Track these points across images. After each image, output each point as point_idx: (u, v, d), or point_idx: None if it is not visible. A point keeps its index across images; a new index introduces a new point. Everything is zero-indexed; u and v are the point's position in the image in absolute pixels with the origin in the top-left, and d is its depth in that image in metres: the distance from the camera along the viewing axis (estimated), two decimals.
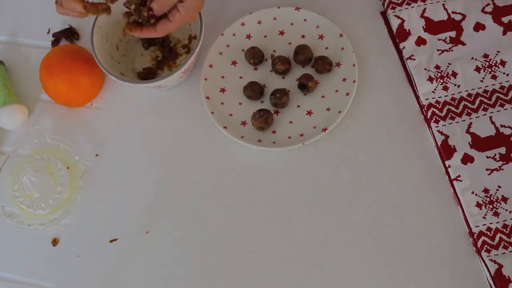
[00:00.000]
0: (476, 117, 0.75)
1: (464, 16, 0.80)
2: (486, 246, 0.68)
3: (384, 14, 0.83)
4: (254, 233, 0.74)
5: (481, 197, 0.71)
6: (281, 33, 0.84)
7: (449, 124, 0.75)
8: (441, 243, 0.70)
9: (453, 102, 0.76)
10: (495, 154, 0.72)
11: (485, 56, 0.77)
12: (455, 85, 0.77)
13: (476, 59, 0.77)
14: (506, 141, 0.73)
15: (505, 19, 0.79)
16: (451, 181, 0.72)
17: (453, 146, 0.73)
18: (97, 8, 0.70)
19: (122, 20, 0.73)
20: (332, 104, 0.78)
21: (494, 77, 0.76)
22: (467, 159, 0.73)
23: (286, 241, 0.74)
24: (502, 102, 0.75)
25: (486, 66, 0.77)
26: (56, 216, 0.78)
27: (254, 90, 0.80)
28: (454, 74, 0.77)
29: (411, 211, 0.72)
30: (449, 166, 0.73)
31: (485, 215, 0.70)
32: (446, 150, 0.73)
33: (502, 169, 0.71)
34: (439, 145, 0.74)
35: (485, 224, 0.69)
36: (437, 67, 0.78)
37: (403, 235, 0.71)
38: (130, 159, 0.81)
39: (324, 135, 0.75)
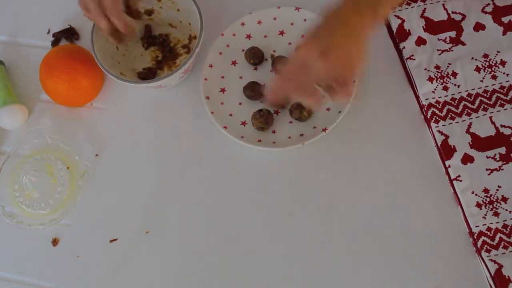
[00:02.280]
0: (476, 117, 0.75)
1: (464, 16, 0.80)
2: (486, 246, 0.68)
3: None
4: (254, 233, 0.74)
5: (481, 197, 0.71)
6: (281, 33, 0.84)
7: (449, 124, 0.75)
8: (441, 243, 0.70)
9: (453, 102, 0.76)
10: (495, 154, 0.72)
11: (485, 56, 0.77)
12: (455, 85, 0.76)
13: (476, 59, 0.77)
14: (506, 141, 0.73)
15: (505, 19, 0.79)
16: (451, 181, 0.72)
17: (453, 146, 0.73)
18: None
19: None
20: (332, 104, 0.78)
21: (494, 77, 0.76)
22: (467, 159, 0.73)
23: (286, 241, 0.73)
24: (502, 102, 0.75)
25: (486, 66, 0.77)
26: (56, 216, 0.78)
27: (254, 90, 0.79)
28: (454, 74, 0.77)
29: (411, 211, 0.72)
30: (449, 166, 0.73)
31: (485, 215, 0.70)
32: (446, 150, 0.73)
33: (502, 169, 0.71)
34: (439, 145, 0.74)
35: (485, 224, 0.69)
36: (437, 67, 0.77)
37: (403, 235, 0.71)
38: (130, 159, 0.81)
39: (324, 135, 0.75)
